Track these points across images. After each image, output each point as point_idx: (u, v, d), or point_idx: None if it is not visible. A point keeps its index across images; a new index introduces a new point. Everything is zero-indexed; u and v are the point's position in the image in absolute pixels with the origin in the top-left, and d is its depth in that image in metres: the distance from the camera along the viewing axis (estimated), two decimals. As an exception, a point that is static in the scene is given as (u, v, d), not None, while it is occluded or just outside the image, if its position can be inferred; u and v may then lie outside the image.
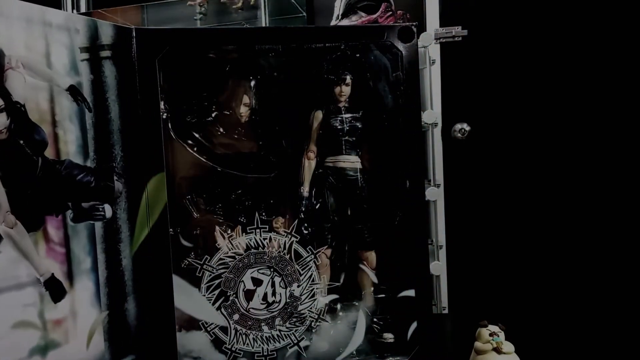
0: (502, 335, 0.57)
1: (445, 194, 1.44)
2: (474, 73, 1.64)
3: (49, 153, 0.49)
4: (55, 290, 0.51)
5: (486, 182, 1.67)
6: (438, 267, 1.32)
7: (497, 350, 0.56)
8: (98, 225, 0.53)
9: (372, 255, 0.61)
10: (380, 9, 1.37)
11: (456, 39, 1.32)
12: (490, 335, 0.57)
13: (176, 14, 1.85)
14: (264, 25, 1.75)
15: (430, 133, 1.37)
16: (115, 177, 0.53)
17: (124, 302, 0.56)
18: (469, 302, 1.61)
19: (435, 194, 1.30)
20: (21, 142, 0.47)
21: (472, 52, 1.61)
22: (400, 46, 0.57)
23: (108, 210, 0.54)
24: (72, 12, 1.85)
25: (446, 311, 1.40)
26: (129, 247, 0.56)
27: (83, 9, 1.87)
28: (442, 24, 1.46)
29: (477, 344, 0.57)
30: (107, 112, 0.53)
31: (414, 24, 0.60)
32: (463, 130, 1.58)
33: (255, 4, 1.76)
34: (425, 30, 1.41)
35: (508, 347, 0.56)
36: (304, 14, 1.76)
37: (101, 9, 1.87)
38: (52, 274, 0.51)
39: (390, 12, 1.37)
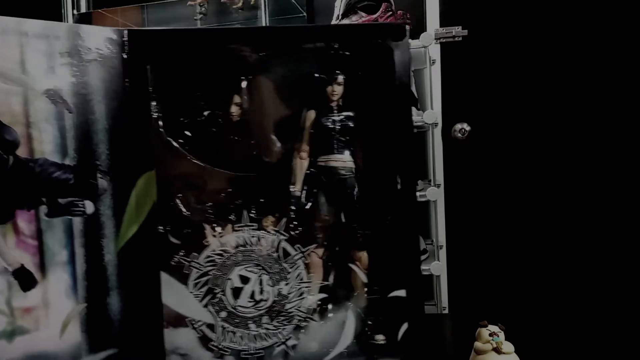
0: (502, 335, 0.57)
1: (445, 194, 1.44)
2: (474, 73, 1.64)
3: (21, 152, 0.51)
4: (24, 280, 0.53)
5: (486, 182, 1.67)
6: (438, 267, 1.32)
7: (497, 350, 0.56)
8: (77, 221, 0.55)
9: (364, 255, 0.60)
10: (381, 9, 1.37)
11: (456, 39, 1.32)
12: (490, 335, 0.57)
13: (176, 14, 1.85)
14: (264, 25, 1.75)
15: (430, 133, 1.37)
16: (99, 175, 0.54)
17: (106, 296, 0.58)
18: (469, 302, 1.61)
19: (435, 194, 1.29)
20: None
21: (472, 52, 1.62)
22: (392, 44, 0.56)
23: (89, 206, 0.56)
24: (72, 12, 1.84)
25: (446, 311, 1.40)
26: (114, 243, 0.57)
27: (83, 9, 1.87)
28: (442, 24, 1.46)
29: (477, 344, 0.57)
30: (91, 113, 0.55)
31: (407, 21, 0.59)
32: (463, 130, 1.58)
33: (256, 4, 1.76)
34: (425, 30, 1.41)
35: (508, 347, 0.56)
36: (304, 14, 1.76)
37: (101, 9, 1.87)
38: (22, 264, 0.53)
39: (391, 12, 1.37)
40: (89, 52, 0.55)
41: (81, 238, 0.56)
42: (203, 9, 1.80)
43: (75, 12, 1.85)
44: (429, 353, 0.71)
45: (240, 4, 1.78)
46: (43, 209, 0.54)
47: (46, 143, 0.53)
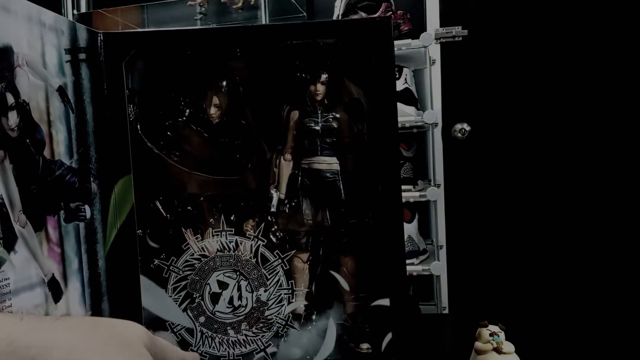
0: (502, 335, 0.56)
1: (445, 194, 1.44)
2: (474, 73, 1.65)
3: (46, 153, 0.50)
4: (55, 290, 0.51)
5: (486, 182, 1.67)
6: (438, 267, 1.32)
7: (497, 350, 0.55)
8: (81, 226, 0.54)
9: (350, 261, 0.59)
10: (381, 9, 1.37)
11: (456, 39, 1.32)
12: (491, 335, 0.56)
13: (176, 14, 1.85)
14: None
15: (430, 133, 1.37)
16: (91, 179, 0.54)
17: (101, 302, 0.57)
18: (469, 302, 1.61)
19: (435, 194, 1.30)
20: (27, 140, 0.47)
21: (472, 52, 1.62)
22: (375, 41, 0.56)
23: (88, 211, 0.55)
24: (73, 12, 1.85)
25: (446, 311, 1.40)
26: (103, 248, 0.57)
27: (83, 9, 1.87)
28: (442, 24, 1.46)
29: (477, 344, 0.57)
30: (84, 114, 0.54)
31: (388, 16, 0.59)
32: (463, 130, 1.58)
33: (256, 4, 1.76)
34: (425, 30, 1.41)
35: (508, 347, 0.56)
36: (304, 13, 1.77)
37: (101, 9, 1.87)
38: (53, 274, 0.51)
39: (391, 12, 1.38)
40: (81, 52, 0.55)
41: (85, 244, 0.55)
42: (203, 9, 1.80)
43: (75, 12, 1.86)
44: (430, 353, 0.71)
45: (240, 4, 1.78)
46: (61, 214, 0.52)
47: (61, 144, 0.52)
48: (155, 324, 0.59)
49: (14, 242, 0.46)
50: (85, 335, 0.26)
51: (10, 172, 0.45)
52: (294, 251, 0.59)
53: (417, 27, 1.45)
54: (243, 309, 0.59)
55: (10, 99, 0.45)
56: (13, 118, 0.46)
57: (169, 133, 0.58)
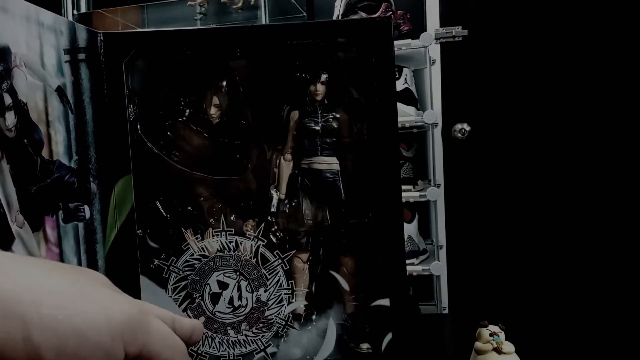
0: (502, 335, 0.56)
1: (445, 194, 1.44)
2: (474, 73, 1.65)
3: (44, 153, 0.50)
4: None
5: (486, 182, 1.67)
6: (438, 267, 1.32)
7: (498, 350, 0.55)
8: (80, 227, 0.54)
9: (350, 261, 0.59)
10: (381, 9, 1.37)
11: (456, 39, 1.32)
12: (491, 335, 0.56)
13: (176, 14, 1.85)
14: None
15: (430, 133, 1.37)
16: (91, 179, 0.54)
17: None
18: (469, 302, 1.61)
19: (435, 194, 1.30)
20: (25, 141, 0.47)
21: (472, 52, 1.62)
22: (375, 41, 0.56)
23: (87, 211, 0.55)
24: (73, 12, 1.85)
25: (446, 311, 1.40)
26: (103, 248, 0.57)
27: (83, 9, 1.87)
28: (442, 24, 1.46)
29: (477, 344, 0.57)
30: (84, 114, 0.54)
31: (388, 16, 0.59)
32: (463, 130, 1.58)
33: (256, 4, 1.76)
34: (425, 30, 1.41)
35: (508, 347, 0.56)
36: (304, 13, 1.77)
37: (101, 9, 1.87)
38: None
39: (391, 12, 1.38)
40: (81, 52, 0.55)
41: (84, 244, 0.55)
42: (203, 9, 1.80)
43: (75, 12, 1.85)
44: (430, 353, 0.71)
45: (240, 4, 1.78)
46: (60, 214, 0.52)
47: (60, 144, 0.52)
48: None
49: (11, 242, 0.46)
50: (26, 262, 0.25)
51: (7, 172, 0.45)
52: (294, 251, 0.59)
53: (417, 27, 1.45)
54: (243, 309, 0.59)
55: (8, 99, 0.45)
56: (10, 118, 0.46)
57: (169, 133, 0.58)
